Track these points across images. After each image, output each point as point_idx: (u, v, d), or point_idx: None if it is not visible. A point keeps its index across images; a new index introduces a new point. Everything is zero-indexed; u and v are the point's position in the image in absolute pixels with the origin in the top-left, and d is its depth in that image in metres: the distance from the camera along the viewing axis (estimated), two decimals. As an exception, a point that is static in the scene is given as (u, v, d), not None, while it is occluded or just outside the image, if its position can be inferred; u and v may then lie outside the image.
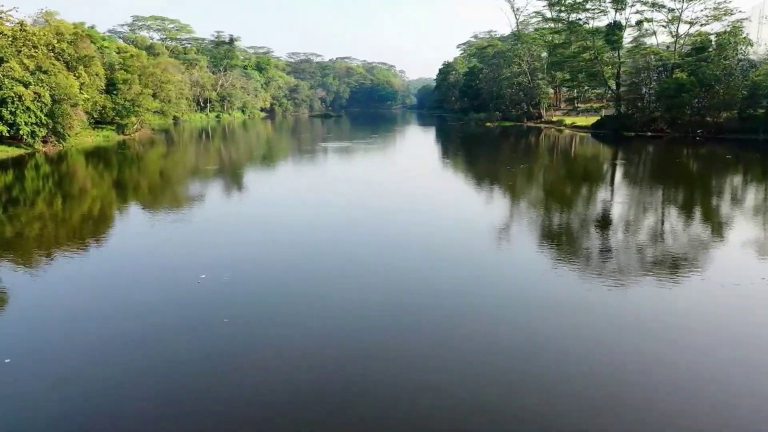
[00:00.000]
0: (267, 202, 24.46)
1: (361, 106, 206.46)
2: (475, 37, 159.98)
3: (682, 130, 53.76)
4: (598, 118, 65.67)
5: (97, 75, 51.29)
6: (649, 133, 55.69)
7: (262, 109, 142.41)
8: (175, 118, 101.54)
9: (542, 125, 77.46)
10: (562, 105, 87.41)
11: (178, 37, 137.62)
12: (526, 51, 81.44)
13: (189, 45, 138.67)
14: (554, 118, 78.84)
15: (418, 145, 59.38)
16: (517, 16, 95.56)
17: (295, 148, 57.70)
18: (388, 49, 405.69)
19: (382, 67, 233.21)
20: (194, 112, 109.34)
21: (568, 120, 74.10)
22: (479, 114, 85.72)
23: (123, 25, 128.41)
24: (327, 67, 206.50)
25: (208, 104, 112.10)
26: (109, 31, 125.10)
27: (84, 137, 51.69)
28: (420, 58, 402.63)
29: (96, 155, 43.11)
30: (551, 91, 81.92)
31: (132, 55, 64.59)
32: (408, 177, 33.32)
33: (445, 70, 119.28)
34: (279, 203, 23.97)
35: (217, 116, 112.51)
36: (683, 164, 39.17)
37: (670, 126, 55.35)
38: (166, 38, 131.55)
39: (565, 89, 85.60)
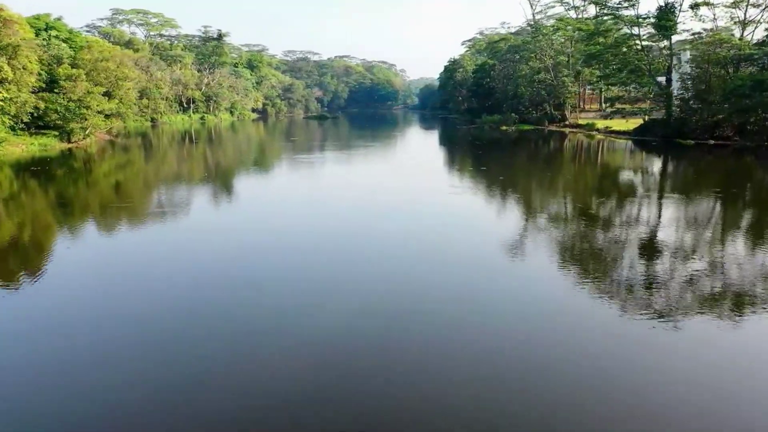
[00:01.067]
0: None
1: (360, 106, 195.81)
2: (481, 33, 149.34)
3: (756, 138, 42.87)
4: (641, 121, 54.61)
5: (25, 69, 40.42)
6: (712, 141, 44.87)
7: (253, 110, 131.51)
8: (153, 120, 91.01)
9: (567, 129, 66.57)
10: (587, 106, 76.47)
11: (163, 32, 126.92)
12: (548, 44, 70.56)
13: (175, 41, 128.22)
14: (581, 121, 67.88)
15: (426, 157, 48.19)
16: (534, 6, 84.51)
17: (281, 158, 46.71)
18: (388, 47, 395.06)
19: (382, 65, 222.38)
20: (175, 113, 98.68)
21: (599, 123, 63.14)
22: (493, 116, 74.69)
23: (102, 19, 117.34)
24: (325, 66, 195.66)
25: (192, 105, 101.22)
26: (87, 25, 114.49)
27: (11, 146, 40.82)
28: (421, 57, 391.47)
29: (8, 171, 32.18)
30: (577, 90, 70.90)
31: (83, 47, 53.52)
32: (418, 201, 23.00)
33: (451, 68, 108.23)
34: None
35: (202, 118, 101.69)
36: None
37: (739, 133, 44.48)
38: (150, 34, 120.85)
39: (590, 89, 74.75)
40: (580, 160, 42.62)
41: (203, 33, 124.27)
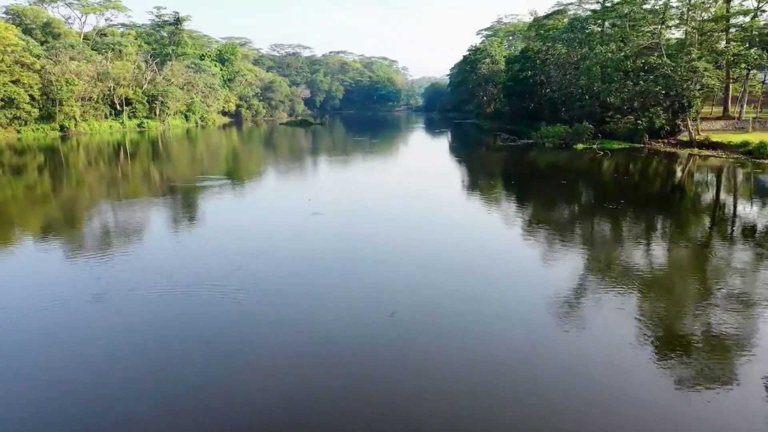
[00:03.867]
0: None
1: (357, 107, 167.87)
2: (499, 21, 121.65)
3: None
4: None
5: None
6: None
7: (225, 113, 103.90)
8: (62, 128, 63.43)
9: (688, 151, 38.80)
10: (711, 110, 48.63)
11: (110, 17, 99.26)
12: (664, 5, 42.73)
13: (123, 29, 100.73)
14: (712, 137, 40.01)
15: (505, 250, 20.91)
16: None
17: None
18: (387, 44, 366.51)
19: (383, 62, 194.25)
20: (103, 118, 71.05)
21: (732, 137, 35.55)
22: (555, 126, 46.38)
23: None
24: (317, 62, 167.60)
25: (126, 107, 73.44)
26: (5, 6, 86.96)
27: None
28: (424, 54, 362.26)
29: None
30: (718, 83, 42.58)
31: None
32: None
33: (473, 58, 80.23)
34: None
35: (141, 124, 73.95)
36: None
37: None
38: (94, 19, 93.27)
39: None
40: None
41: (156, 15, 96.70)
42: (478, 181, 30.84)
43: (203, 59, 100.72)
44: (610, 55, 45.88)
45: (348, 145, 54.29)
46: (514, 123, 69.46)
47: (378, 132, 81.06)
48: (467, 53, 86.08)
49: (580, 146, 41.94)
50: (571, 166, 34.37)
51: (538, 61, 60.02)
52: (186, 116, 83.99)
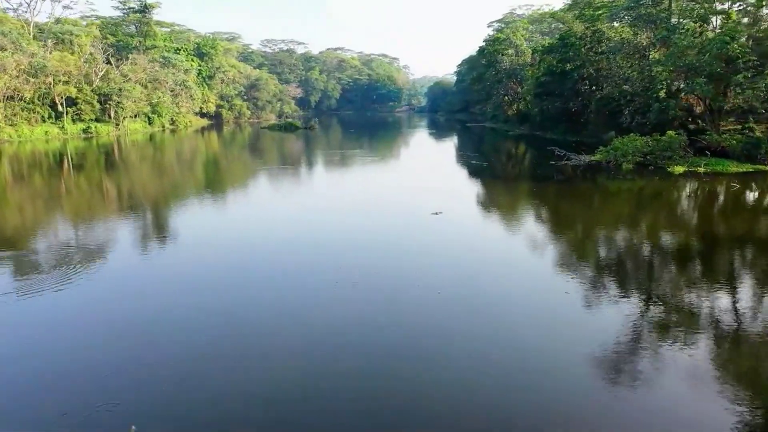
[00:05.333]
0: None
1: (355, 107, 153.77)
2: (513, 12, 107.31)
3: None
4: None
5: None
6: None
7: (203, 115, 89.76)
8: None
9: None
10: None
11: (68, 5, 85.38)
12: None
13: (94, 19, 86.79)
14: None
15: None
16: None
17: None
18: (388, 43, 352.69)
19: (383, 59, 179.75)
20: (40, 121, 56.80)
21: None
22: (632, 139, 31.29)
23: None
24: (313, 60, 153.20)
25: (69, 108, 59.08)
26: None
27: None
28: (426, 53, 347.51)
29: None
30: None
31: None
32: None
33: (491, 50, 65.63)
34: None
35: (87, 129, 59.63)
36: None
37: None
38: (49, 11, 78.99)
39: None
40: None
41: (120, 2, 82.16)
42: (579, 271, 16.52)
43: (179, 53, 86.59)
44: (709, 35, 31.61)
45: (333, 162, 39.95)
46: (544, 128, 55.17)
47: (377, 139, 66.68)
48: (483, 44, 71.62)
49: (677, 169, 27.64)
50: (734, 224, 19.77)
51: (583, 49, 45.74)
52: (149, 119, 69.65)
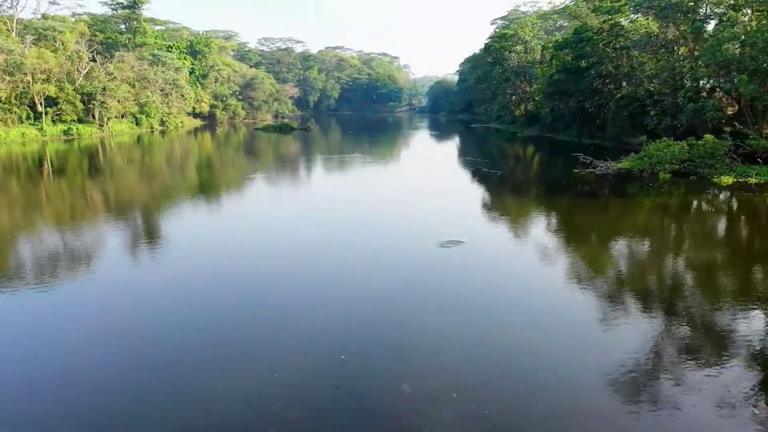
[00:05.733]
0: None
1: (354, 107, 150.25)
2: (517, 9, 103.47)
3: None
4: None
5: None
6: None
7: (196, 115, 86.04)
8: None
9: None
10: None
11: (55, 1, 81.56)
12: None
13: (86, 15, 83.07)
14: None
15: None
16: None
17: None
18: (389, 43, 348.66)
19: (383, 58, 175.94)
20: (17, 122, 52.97)
21: None
22: (668, 144, 27.02)
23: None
24: (311, 59, 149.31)
25: (47, 109, 55.16)
26: None
27: None
28: (427, 53, 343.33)
29: None
30: None
31: None
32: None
33: (498, 46, 61.70)
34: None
35: (68, 130, 55.76)
36: None
37: None
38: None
39: None
40: None
41: (109, -2, 78.31)
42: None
43: (171, 51, 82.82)
44: (753, 24, 27.84)
45: (329, 169, 36.24)
46: (555, 130, 51.46)
47: (377, 141, 62.82)
48: (488, 41, 67.75)
49: (724, 179, 23.81)
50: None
51: (601, 44, 41.96)
52: (137, 119, 65.77)
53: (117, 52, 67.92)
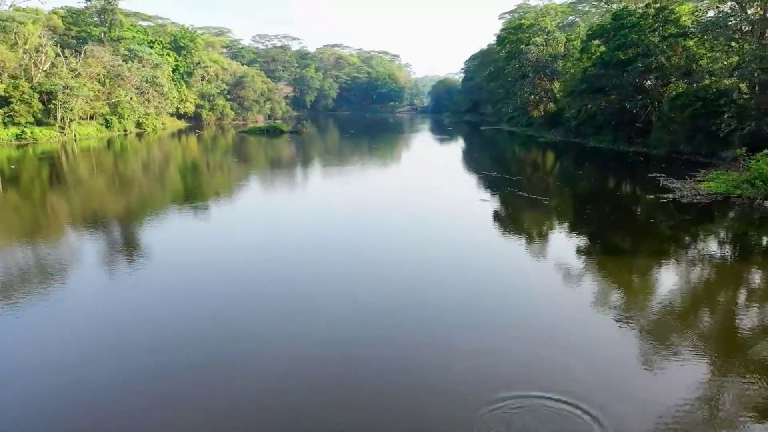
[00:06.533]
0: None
1: (353, 107, 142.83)
2: (527, 2, 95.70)
3: None
4: None
5: None
6: None
7: (180, 116, 78.47)
8: None
9: None
10: None
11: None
12: None
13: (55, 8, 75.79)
14: None
15: None
16: None
17: None
18: (388, 42, 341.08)
19: (383, 57, 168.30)
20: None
21: None
22: None
23: None
24: (309, 57, 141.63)
25: (1, 110, 47.67)
26: None
27: None
28: (428, 52, 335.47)
29: None
30: None
31: None
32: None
33: (514, 38, 54.01)
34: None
35: (21, 134, 48.15)
36: None
37: None
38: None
39: None
40: None
41: (81, -14, 70.83)
42: None
43: (152, 46, 75.32)
44: None
45: (319, 186, 28.69)
46: (583, 134, 43.93)
47: (377, 146, 55.14)
48: (502, 33, 60.04)
49: None
50: None
51: (648, 31, 34.37)
52: (107, 121, 58.16)
53: (85, 46, 60.37)
